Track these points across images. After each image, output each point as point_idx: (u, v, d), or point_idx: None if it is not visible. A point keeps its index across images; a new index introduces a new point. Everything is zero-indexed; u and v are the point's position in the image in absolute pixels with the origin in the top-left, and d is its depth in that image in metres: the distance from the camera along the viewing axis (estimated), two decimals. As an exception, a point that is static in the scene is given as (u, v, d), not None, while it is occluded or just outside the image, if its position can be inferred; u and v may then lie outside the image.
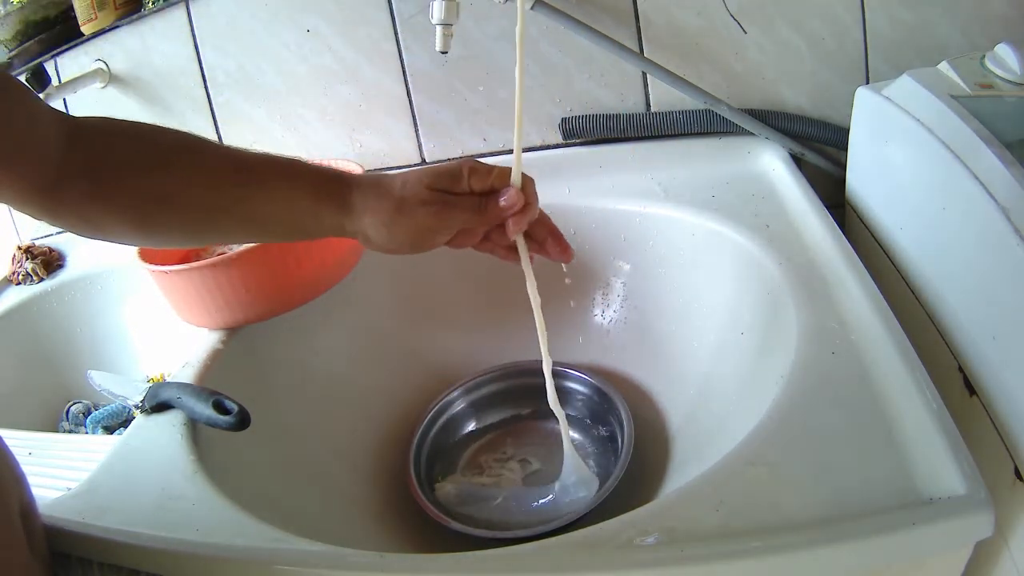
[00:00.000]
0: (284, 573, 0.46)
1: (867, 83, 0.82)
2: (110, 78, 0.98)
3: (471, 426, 0.81)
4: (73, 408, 0.92)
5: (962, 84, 0.64)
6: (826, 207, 0.71)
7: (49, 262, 1.05)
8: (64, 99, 0.98)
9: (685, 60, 0.84)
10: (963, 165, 0.56)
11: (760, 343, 0.65)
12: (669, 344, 0.79)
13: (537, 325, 0.58)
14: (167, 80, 0.97)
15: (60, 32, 1.00)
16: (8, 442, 0.49)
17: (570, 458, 0.67)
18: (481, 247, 0.55)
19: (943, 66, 0.67)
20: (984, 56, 0.66)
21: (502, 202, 0.51)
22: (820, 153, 0.85)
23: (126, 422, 0.87)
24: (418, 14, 0.86)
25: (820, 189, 0.75)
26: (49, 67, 0.99)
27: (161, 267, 0.72)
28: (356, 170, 0.83)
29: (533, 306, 0.57)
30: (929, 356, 0.52)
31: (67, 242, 1.07)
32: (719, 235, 0.74)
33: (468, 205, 0.51)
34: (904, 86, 0.68)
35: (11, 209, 0.90)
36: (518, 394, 0.81)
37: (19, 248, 1.06)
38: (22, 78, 0.91)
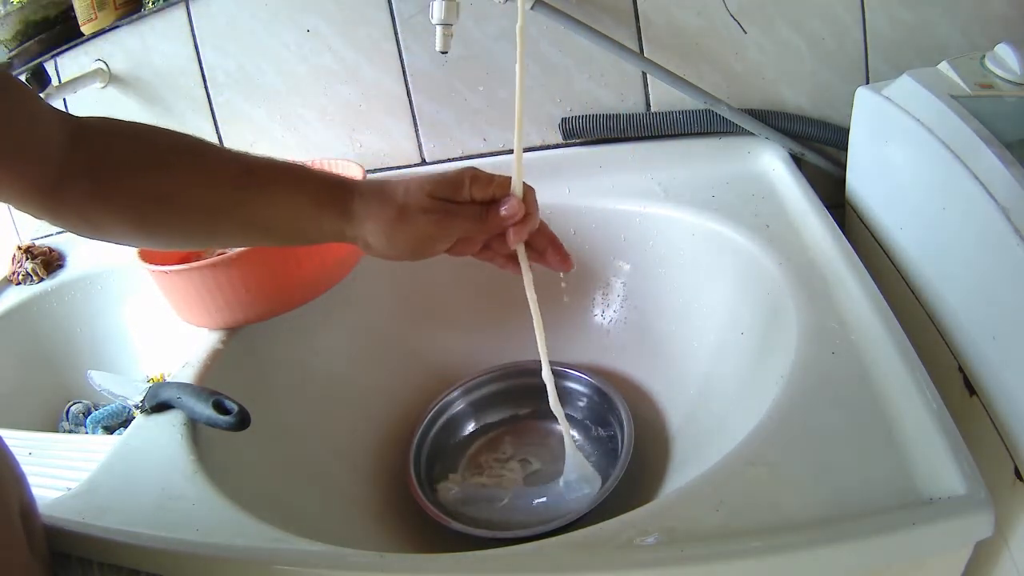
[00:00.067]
0: (284, 573, 0.46)
1: (867, 83, 0.82)
2: (110, 78, 0.98)
3: (471, 426, 0.81)
4: (73, 408, 0.92)
5: (962, 84, 0.64)
6: (826, 207, 0.71)
7: (49, 262, 1.05)
8: (64, 99, 0.98)
9: (685, 60, 0.84)
10: (963, 165, 0.56)
11: (760, 343, 0.65)
12: (669, 344, 0.79)
13: (537, 336, 0.58)
14: (167, 80, 0.97)
15: (60, 32, 1.00)
16: (8, 442, 0.49)
17: (572, 455, 0.67)
18: (481, 255, 0.55)
19: (943, 66, 0.67)
20: (984, 56, 0.66)
21: (503, 212, 0.51)
22: (820, 153, 0.85)
23: (126, 422, 0.87)
24: (418, 14, 0.86)
25: (820, 189, 0.75)
26: (49, 67, 0.99)
27: (161, 267, 0.72)
28: (356, 170, 0.83)
29: (533, 315, 0.57)
30: (929, 356, 0.52)
31: (67, 242, 1.07)
32: (719, 235, 0.74)
33: (469, 214, 0.51)
34: (904, 86, 0.68)
35: (11, 209, 0.90)
36: (518, 394, 0.81)
37: (19, 248, 1.06)
38: (22, 78, 0.91)
